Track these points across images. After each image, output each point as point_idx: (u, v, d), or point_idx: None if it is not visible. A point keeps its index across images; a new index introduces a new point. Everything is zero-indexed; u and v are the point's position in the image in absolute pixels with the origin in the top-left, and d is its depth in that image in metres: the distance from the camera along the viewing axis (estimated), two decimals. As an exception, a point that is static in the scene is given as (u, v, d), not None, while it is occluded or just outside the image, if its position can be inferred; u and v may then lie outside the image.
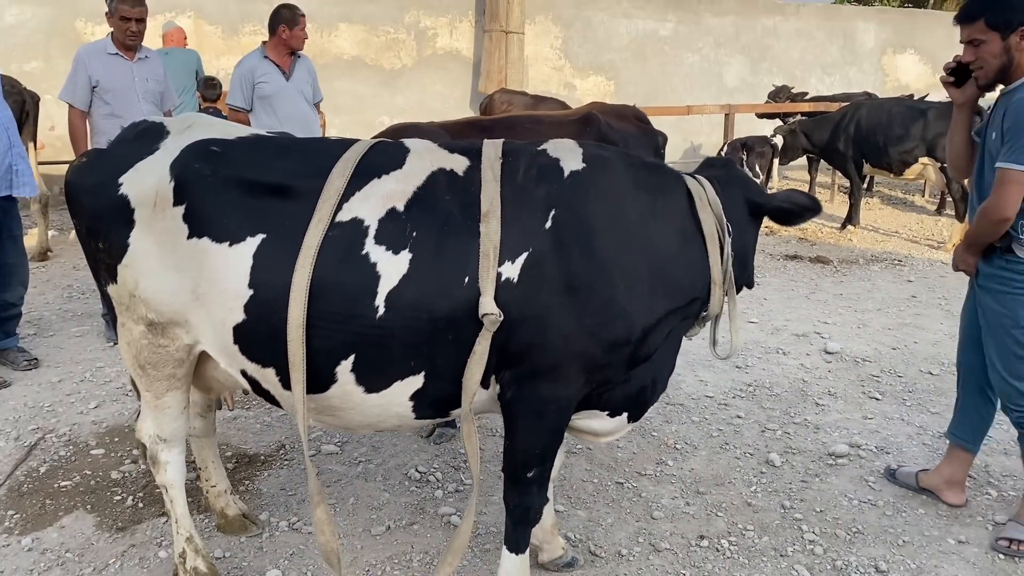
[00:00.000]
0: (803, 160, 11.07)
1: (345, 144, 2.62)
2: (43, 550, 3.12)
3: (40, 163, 7.49)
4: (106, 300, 2.73)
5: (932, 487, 3.62)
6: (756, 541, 3.29)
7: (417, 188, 2.48)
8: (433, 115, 10.43)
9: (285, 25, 5.50)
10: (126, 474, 3.68)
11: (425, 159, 2.57)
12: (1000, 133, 3.05)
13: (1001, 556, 3.20)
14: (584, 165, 2.58)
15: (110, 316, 2.81)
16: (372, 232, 2.40)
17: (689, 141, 13.78)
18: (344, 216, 2.42)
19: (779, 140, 9.79)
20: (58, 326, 5.77)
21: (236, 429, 4.12)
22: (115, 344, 5.39)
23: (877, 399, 4.74)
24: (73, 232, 9.00)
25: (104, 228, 2.55)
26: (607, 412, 2.73)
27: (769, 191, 2.92)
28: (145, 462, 3.27)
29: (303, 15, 5.59)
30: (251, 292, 2.40)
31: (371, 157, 2.55)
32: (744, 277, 2.94)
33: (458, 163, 2.57)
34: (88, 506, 3.43)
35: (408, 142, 2.66)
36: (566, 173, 2.55)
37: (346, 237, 2.39)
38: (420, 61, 12.45)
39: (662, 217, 2.64)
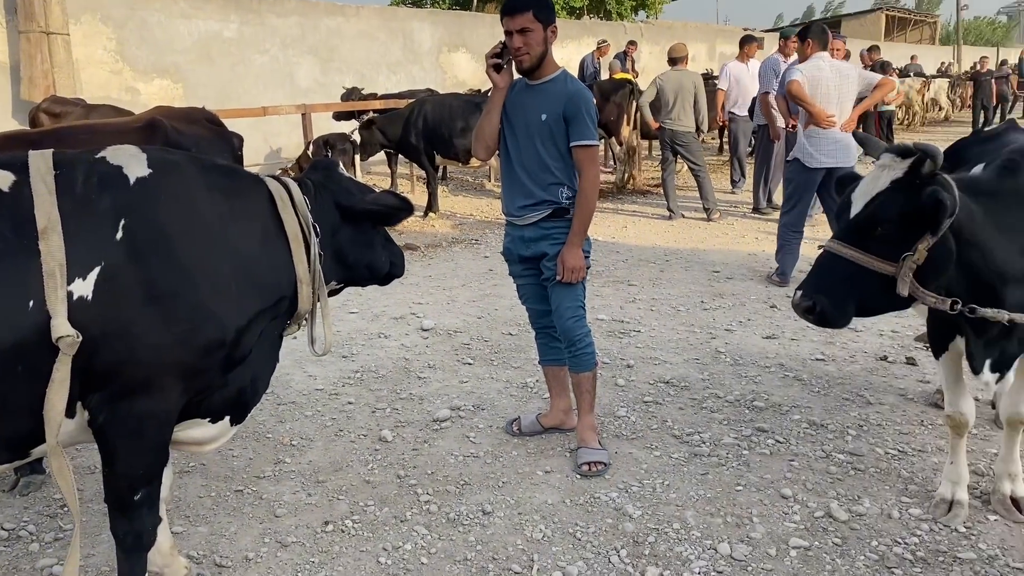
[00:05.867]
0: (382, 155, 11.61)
1: None
2: None
3: None
4: None
5: (556, 423, 4.18)
6: (377, 514, 3.48)
7: (-45, 211, 2.21)
8: (-34, 130, 9.01)
9: None
10: None
11: (-41, 179, 2.29)
12: (561, 116, 3.64)
13: (578, 476, 3.76)
14: (151, 171, 2.49)
15: None
16: (-99, 266, 2.09)
17: (268, 144, 13.65)
18: None
19: (357, 137, 10.14)
20: None
21: None
22: None
23: (470, 364, 5.24)
24: None
25: None
26: (208, 419, 2.69)
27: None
28: None
29: None
30: None
31: None
32: (358, 273, 3.05)
33: (1, 179, 2.33)
34: None
35: (-66, 161, 2.35)
36: (132, 180, 2.44)
37: None
38: (-60, 68, 10.68)
39: (241, 218, 2.65)
